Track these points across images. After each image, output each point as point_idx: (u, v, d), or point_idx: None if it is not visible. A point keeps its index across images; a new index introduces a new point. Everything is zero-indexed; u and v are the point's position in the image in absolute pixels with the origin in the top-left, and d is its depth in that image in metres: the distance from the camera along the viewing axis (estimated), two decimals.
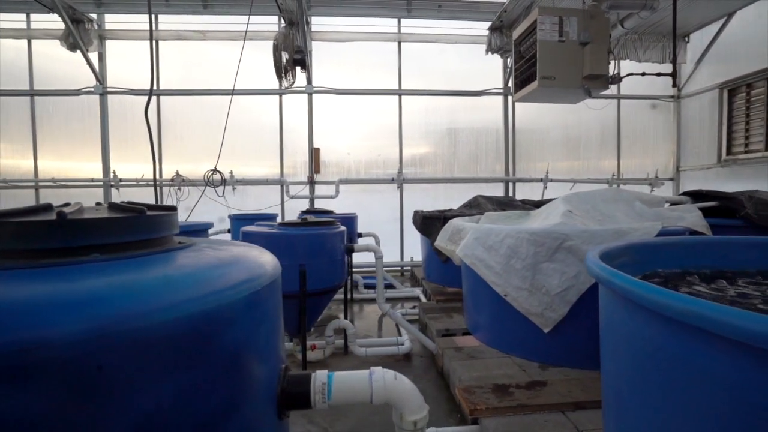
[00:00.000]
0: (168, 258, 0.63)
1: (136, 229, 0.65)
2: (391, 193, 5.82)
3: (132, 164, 5.47)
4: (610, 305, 1.18)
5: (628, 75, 3.80)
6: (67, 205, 0.62)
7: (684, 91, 5.92)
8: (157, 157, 5.46)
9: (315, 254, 2.60)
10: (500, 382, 2.05)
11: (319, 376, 0.77)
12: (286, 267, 2.65)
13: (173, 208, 0.77)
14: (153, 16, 5.34)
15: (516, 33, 4.28)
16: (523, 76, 4.16)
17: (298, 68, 4.27)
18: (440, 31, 5.61)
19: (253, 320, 0.64)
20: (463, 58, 5.80)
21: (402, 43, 5.68)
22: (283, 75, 4.04)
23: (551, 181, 5.69)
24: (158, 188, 5.36)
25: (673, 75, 3.75)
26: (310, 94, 5.55)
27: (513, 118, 5.84)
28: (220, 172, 4.13)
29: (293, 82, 4.27)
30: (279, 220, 4.93)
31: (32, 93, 5.28)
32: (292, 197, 5.52)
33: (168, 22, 5.36)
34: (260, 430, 0.68)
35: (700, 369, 0.77)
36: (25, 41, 5.25)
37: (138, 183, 5.33)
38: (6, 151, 5.35)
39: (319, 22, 5.55)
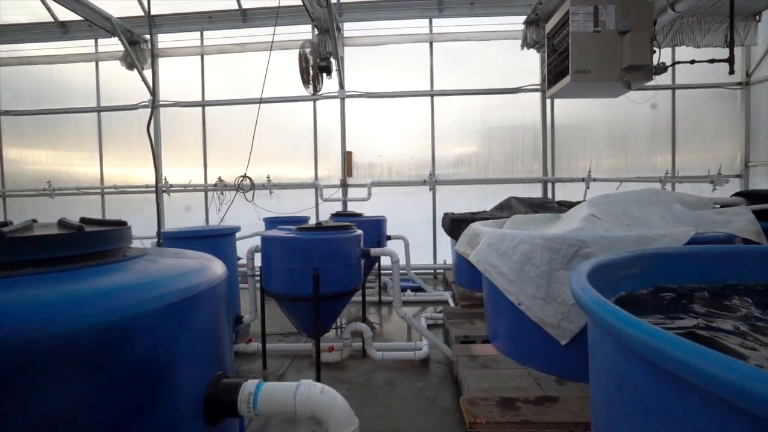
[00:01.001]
0: (95, 272, 0.69)
1: (73, 244, 0.71)
2: (424, 195, 5.78)
3: (182, 169, 5.93)
4: (590, 325, 1.09)
5: (675, 63, 3.46)
6: (8, 224, 0.69)
7: (754, 77, 5.27)
8: (203, 163, 5.87)
9: (329, 258, 2.65)
10: (509, 395, 1.96)
11: (248, 386, 0.80)
12: (300, 271, 2.73)
13: (122, 223, 0.83)
14: (199, 33, 5.75)
15: (549, 25, 4.07)
16: (557, 70, 3.94)
17: (324, 75, 4.37)
18: (473, 29, 5.47)
19: (169, 331, 0.68)
20: (499, 55, 5.61)
21: (434, 43, 5.61)
22: (309, 82, 4.16)
23: (594, 180, 5.33)
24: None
25: (730, 60, 3.35)
26: (342, 99, 5.66)
27: (552, 114, 5.55)
28: (249, 178, 4.34)
29: (320, 89, 4.38)
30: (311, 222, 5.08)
31: (99, 109, 5.91)
32: (326, 200, 5.66)
33: (212, 37, 5.73)
34: None
35: (664, 406, 0.69)
36: (93, 63, 5.88)
37: (185, 188, 5.75)
38: (79, 161, 6.03)
39: (351, 28, 5.64)
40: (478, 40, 5.54)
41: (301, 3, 4.51)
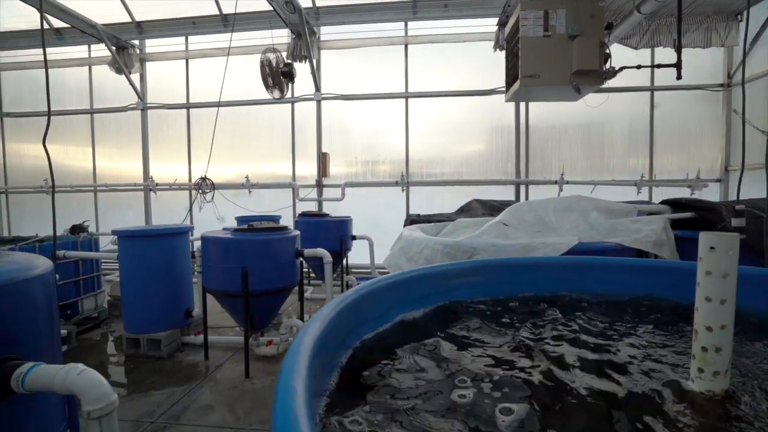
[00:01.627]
0: None
1: None
2: (397, 195, 5.86)
3: (168, 165, 6.21)
4: None
5: (622, 68, 3.42)
6: None
7: (735, 78, 5.12)
8: (188, 162, 6.10)
9: (259, 258, 2.80)
10: None
11: (22, 368, 0.95)
12: (232, 269, 2.88)
13: None
14: (184, 38, 5.98)
15: (506, 29, 4.09)
16: (512, 74, 3.96)
17: (286, 80, 4.50)
18: (448, 31, 5.50)
19: None
20: (474, 57, 5.62)
21: (409, 46, 5.67)
22: (274, 87, 4.30)
23: (567, 183, 5.29)
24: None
25: (677, 65, 3.31)
26: (318, 101, 5.79)
27: (526, 116, 5.53)
28: (209, 179, 4.53)
29: (286, 93, 4.52)
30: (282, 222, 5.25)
31: (92, 111, 6.23)
32: (301, 200, 5.82)
33: (196, 42, 5.95)
34: None
35: None
36: (87, 68, 6.20)
37: (171, 187, 6.02)
38: (73, 161, 6.38)
39: (327, 31, 5.76)
40: (454, 42, 5.56)
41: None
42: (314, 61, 5.52)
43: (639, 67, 3.45)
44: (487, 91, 5.53)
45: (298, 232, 3.09)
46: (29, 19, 5.84)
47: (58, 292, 3.59)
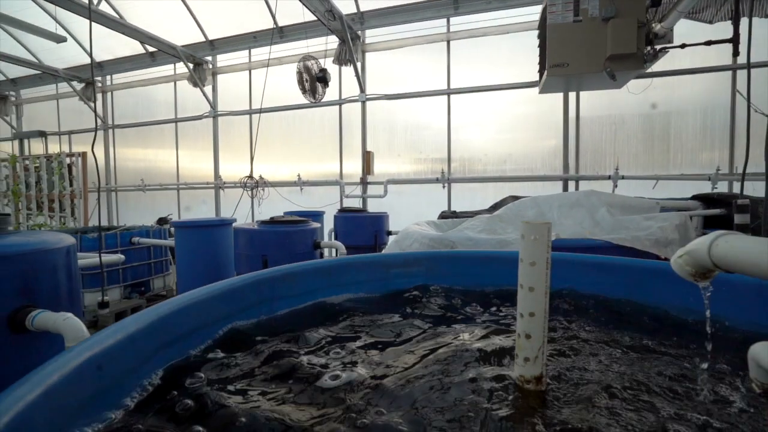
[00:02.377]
0: None
1: None
2: (441, 191, 5.87)
3: (235, 165, 6.99)
4: None
5: (663, 50, 3.06)
6: None
7: None
8: (251, 163, 6.77)
9: (277, 247, 3.11)
10: None
11: (33, 312, 1.30)
12: (254, 257, 3.27)
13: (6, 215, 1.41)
14: (247, 51, 6.67)
15: (541, 18, 3.90)
16: (543, 64, 3.77)
17: (321, 85, 4.81)
18: (490, 23, 5.36)
19: None
20: (518, 49, 5.39)
21: (451, 42, 5.64)
22: (308, 91, 4.63)
23: (623, 178, 4.83)
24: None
25: (734, 41, 2.87)
26: (363, 102, 6.04)
27: (577, 106, 5.15)
28: (253, 178, 5.01)
29: (321, 98, 4.83)
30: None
31: (176, 120, 7.26)
32: (347, 197, 6.13)
33: (256, 54, 6.60)
34: None
35: None
36: (172, 83, 7.24)
37: (235, 185, 6.75)
38: (163, 163, 7.49)
39: (372, 34, 5.98)
40: (496, 34, 5.40)
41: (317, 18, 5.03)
42: (358, 64, 5.77)
43: (683, 45, 3.08)
44: (533, 83, 5.26)
45: (317, 225, 3.34)
46: (131, 46, 6.99)
47: (133, 272, 4.33)
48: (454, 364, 0.93)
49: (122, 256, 3.24)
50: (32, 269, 1.42)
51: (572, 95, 5.14)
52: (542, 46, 3.76)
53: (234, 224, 3.35)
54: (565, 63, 3.38)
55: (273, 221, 3.22)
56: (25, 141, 8.45)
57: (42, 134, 7.93)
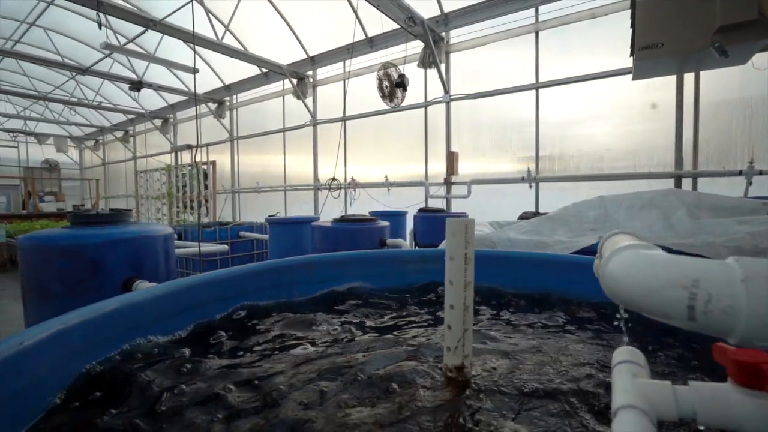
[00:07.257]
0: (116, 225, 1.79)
1: (107, 217, 1.84)
2: (528, 191, 5.57)
3: (332, 167, 7.65)
4: None
5: None
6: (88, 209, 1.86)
7: None
8: (344, 165, 7.35)
9: (346, 243, 3.39)
10: None
11: (137, 282, 1.76)
12: (327, 251, 3.65)
13: (128, 211, 1.95)
14: (342, 63, 7.23)
15: None
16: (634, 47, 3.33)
17: (400, 90, 4.97)
18: (579, 8, 4.89)
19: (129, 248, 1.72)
20: (615, 33, 4.81)
21: (539, 32, 5.30)
22: (386, 97, 4.84)
23: (761, 173, 3.96)
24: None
25: None
26: (447, 103, 6.05)
27: (696, 90, 4.38)
28: (336, 180, 5.38)
29: (400, 102, 5.00)
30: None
31: (284, 129, 8.25)
32: (431, 197, 6.22)
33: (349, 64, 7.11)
34: None
35: None
36: (281, 98, 8.25)
37: (329, 187, 7.39)
38: (275, 168, 8.59)
39: (456, 34, 5.96)
40: (589, 18, 4.90)
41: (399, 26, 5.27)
42: (442, 66, 5.82)
43: None
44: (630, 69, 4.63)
45: (386, 224, 3.55)
46: (249, 69, 8.18)
47: (239, 261, 5.13)
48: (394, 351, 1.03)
49: (227, 247, 3.90)
50: (140, 250, 1.89)
51: (688, 77, 4.40)
52: (634, 27, 3.33)
53: (313, 222, 3.75)
54: (658, 43, 2.95)
55: (343, 219, 3.52)
56: (178, 153, 10.54)
57: (189, 147, 9.80)
